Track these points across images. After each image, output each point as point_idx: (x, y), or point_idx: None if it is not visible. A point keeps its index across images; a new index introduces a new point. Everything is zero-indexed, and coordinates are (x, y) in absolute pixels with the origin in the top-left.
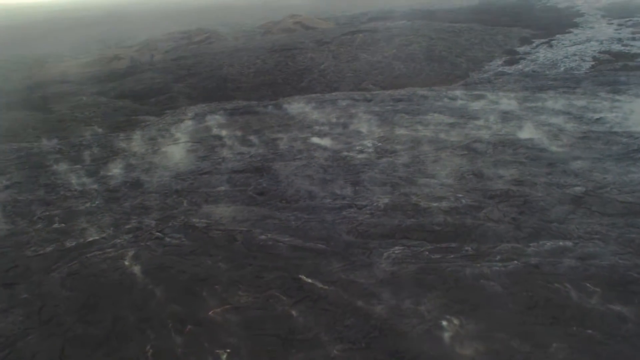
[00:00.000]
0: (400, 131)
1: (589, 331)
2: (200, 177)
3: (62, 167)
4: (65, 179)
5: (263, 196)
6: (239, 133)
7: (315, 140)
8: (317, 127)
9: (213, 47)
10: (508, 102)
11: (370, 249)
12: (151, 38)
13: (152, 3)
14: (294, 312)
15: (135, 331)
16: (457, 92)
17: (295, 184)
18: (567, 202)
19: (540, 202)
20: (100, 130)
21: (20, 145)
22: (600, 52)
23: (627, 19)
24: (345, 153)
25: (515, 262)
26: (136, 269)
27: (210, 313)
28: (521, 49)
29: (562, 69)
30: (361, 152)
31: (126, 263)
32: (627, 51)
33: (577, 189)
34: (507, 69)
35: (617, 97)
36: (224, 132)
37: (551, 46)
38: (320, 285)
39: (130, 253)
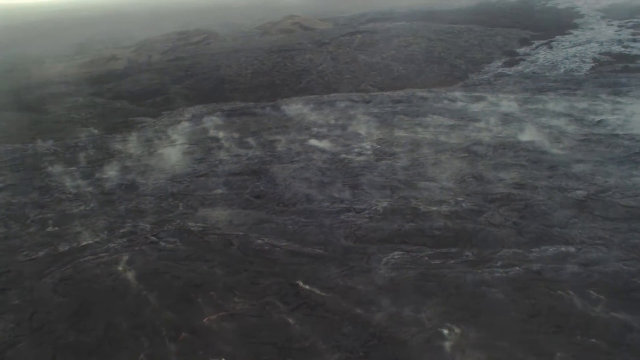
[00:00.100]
0: (399, 133)
1: (593, 340)
2: (196, 179)
3: (57, 169)
4: (59, 181)
5: (260, 199)
6: (236, 135)
7: (314, 142)
8: (315, 129)
9: (211, 48)
10: (508, 104)
11: (369, 254)
12: (149, 38)
13: (151, 3)
14: (290, 320)
15: (128, 339)
16: (457, 94)
17: (293, 187)
18: (569, 207)
19: (542, 206)
20: (96, 131)
21: (15, 146)
22: (600, 54)
23: (627, 20)
24: (343, 155)
25: (517, 268)
26: (130, 275)
27: (205, 320)
28: (521, 50)
29: (562, 70)
30: (360, 154)
31: (120, 268)
32: (627, 53)
33: (579, 192)
34: (506, 70)
35: (618, 99)
36: (221, 134)
37: (551, 47)
38: (317, 291)
39: (125, 258)
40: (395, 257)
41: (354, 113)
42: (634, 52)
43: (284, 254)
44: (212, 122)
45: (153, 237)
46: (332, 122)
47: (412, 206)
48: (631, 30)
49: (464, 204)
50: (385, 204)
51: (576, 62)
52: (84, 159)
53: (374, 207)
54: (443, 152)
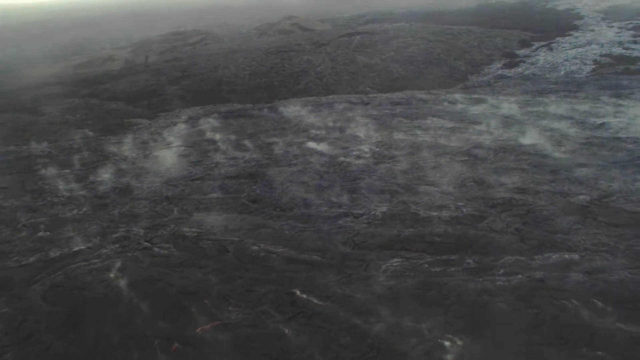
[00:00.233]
0: (398, 136)
1: (599, 353)
2: (192, 183)
3: (51, 171)
4: (52, 185)
5: (256, 204)
6: (233, 137)
7: (311, 145)
8: (313, 131)
9: (208, 49)
10: (509, 106)
11: (368, 261)
12: (146, 39)
13: (150, 3)
14: (286, 330)
15: (118, 350)
16: (457, 96)
17: (290, 191)
18: (572, 212)
19: (544, 211)
20: (91, 133)
21: (8, 148)
22: (601, 56)
23: (628, 22)
24: (342, 159)
25: (520, 276)
26: (122, 282)
27: (198, 330)
28: (521, 52)
29: (562, 72)
30: (358, 157)
31: (112, 275)
32: (628, 54)
33: (582, 197)
34: (506, 72)
35: (620, 101)
36: (217, 136)
37: (551, 49)
38: (314, 300)
39: (117, 264)
40: (394, 264)
41: (353, 115)
42: (635, 54)
43: (281, 260)
44: (209, 124)
45: (146, 243)
46: (331, 124)
47: (412, 211)
48: (632, 32)
49: (464, 209)
50: (384, 208)
51: (577, 64)
52: (78, 161)
53: (372, 212)
54: (443, 156)
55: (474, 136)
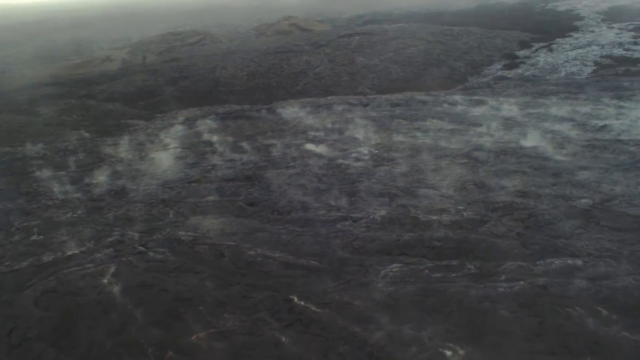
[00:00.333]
0: (398, 138)
1: None
2: (188, 185)
3: (46, 173)
4: (47, 187)
5: (254, 207)
6: (230, 139)
7: (310, 147)
8: (311, 133)
9: (206, 49)
10: (509, 108)
11: (367, 266)
12: (144, 39)
13: (150, 3)
14: (283, 338)
15: (111, 358)
16: (456, 97)
17: (288, 194)
18: (575, 216)
19: (546, 215)
20: (87, 134)
21: (3, 150)
22: (601, 57)
23: (628, 23)
24: (340, 161)
25: (522, 282)
26: (116, 288)
27: (193, 338)
28: (521, 53)
29: (563, 73)
30: (357, 160)
31: (105, 281)
32: (629, 56)
33: (585, 201)
34: (506, 73)
35: (622, 103)
36: (215, 138)
37: (551, 50)
38: (312, 307)
39: (111, 269)
40: (394, 269)
41: (352, 117)
42: (636, 55)
43: (278, 265)
44: (206, 126)
45: (141, 247)
46: (329, 126)
47: (412, 215)
48: (632, 33)
49: (465, 213)
50: (383, 212)
51: (577, 65)
52: (73, 163)
53: (371, 216)
54: (443, 158)
55: (475, 138)
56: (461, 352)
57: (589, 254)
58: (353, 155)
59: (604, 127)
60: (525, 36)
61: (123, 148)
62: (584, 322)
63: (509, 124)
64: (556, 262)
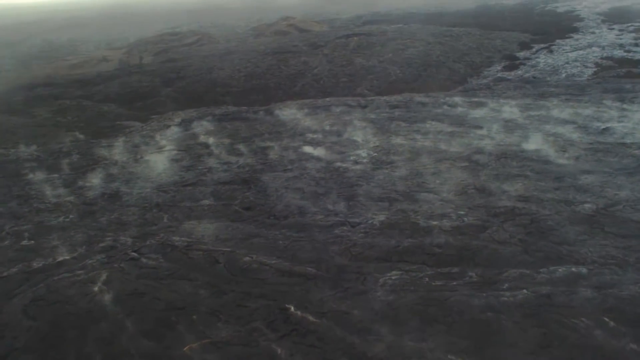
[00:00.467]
0: (397, 140)
1: None
2: (183, 189)
3: (38, 176)
4: (40, 190)
5: (250, 211)
6: (227, 141)
7: (308, 149)
8: (309, 135)
9: (204, 50)
10: (510, 110)
11: (365, 274)
12: (142, 39)
13: (149, 3)
14: (279, 350)
15: None
16: (456, 99)
17: (285, 198)
18: (578, 222)
19: (549, 221)
20: (81, 136)
21: None
22: (602, 58)
23: (629, 25)
24: (339, 164)
25: (525, 291)
26: (107, 296)
27: (185, 349)
28: (521, 54)
29: (563, 75)
30: (356, 163)
31: (96, 288)
32: (630, 57)
33: (588, 206)
34: (506, 74)
35: (624, 105)
36: (211, 140)
37: (551, 51)
38: (309, 317)
39: (102, 276)
40: (393, 277)
41: (350, 118)
42: (637, 56)
43: (274, 273)
44: (203, 127)
45: (134, 253)
46: (327, 128)
47: (411, 220)
48: (633, 35)
49: (466, 219)
50: (382, 217)
51: (578, 66)
52: (67, 165)
53: (370, 221)
54: (443, 161)
55: (475, 141)
56: None
57: (594, 261)
58: (351, 158)
59: (606, 129)
60: (525, 37)
61: (118, 150)
62: (590, 333)
63: (509, 126)
64: (560, 269)
